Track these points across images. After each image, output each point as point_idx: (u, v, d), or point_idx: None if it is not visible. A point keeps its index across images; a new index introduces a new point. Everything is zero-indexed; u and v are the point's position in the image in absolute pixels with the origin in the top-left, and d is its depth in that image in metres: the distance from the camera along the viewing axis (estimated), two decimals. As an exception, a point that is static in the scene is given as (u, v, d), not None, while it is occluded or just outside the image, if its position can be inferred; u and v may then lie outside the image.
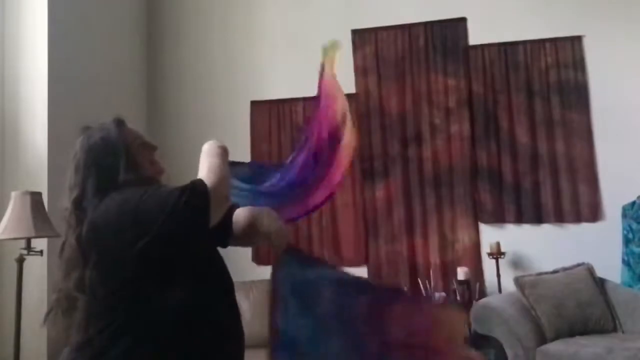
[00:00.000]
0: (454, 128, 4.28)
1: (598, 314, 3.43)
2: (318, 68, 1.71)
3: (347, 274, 1.48)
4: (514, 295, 3.56)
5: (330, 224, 4.32)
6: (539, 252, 4.04)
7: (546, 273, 3.65)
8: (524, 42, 4.26)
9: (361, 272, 4.22)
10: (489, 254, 3.99)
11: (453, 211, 4.22)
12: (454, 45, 4.37)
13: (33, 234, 2.83)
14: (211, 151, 1.36)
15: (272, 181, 1.62)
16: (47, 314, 1.32)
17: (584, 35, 4.21)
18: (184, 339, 1.26)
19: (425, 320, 1.38)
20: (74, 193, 1.33)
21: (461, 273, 3.92)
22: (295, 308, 1.34)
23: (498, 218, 4.17)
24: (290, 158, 1.66)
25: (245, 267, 3.93)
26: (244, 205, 1.51)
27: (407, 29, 4.44)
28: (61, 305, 1.29)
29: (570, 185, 4.08)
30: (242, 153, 4.15)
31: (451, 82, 4.32)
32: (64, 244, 1.32)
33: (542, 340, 3.30)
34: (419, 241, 4.24)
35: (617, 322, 3.46)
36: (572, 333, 3.33)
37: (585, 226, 4.05)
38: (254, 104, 4.57)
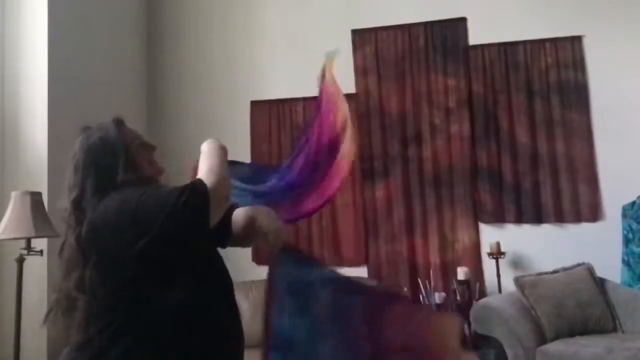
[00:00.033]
0: (454, 128, 4.28)
1: (598, 314, 3.43)
2: (318, 73, 1.69)
3: (342, 276, 1.48)
4: (514, 295, 3.56)
5: (330, 224, 4.32)
6: (539, 252, 4.04)
7: (546, 273, 3.65)
8: (524, 42, 4.26)
9: (361, 272, 4.23)
10: (489, 254, 3.99)
11: (453, 211, 4.22)
12: (454, 45, 4.37)
13: (33, 234, 2.83)
14: (211, 151, 1.36)
15: (271, 181, 1.62)
16: (47, 314, 1.32)
17: (584, 35, 4.20)
18: (184, 339, 1.26)
19: (420, 324, 1.38)
20: (73, 193, 1.33)
21: (461, 273, 3.92)
22: (290, 308, 1.34)
23: (498, 218, 4.17)
24: (289, 160, 1.65)
25: (245, 267, 3.92)
26: (243, 205, 1.51)
27: (407, 29, 4.44)
28: (61, 305, 1.29)
29: (570, 185, 4.08)
30: (242, 153, 4.15)
31: (451, 82, 4.32)
32: (63, 244, 1.32)
33: (542, 340, 3.30)
34: (419, 241, 4.24)
35: (617, 322, 3.46)
36: (572, 333, 3.33)
37: (585, 226, 4.05)
38: (254, 104, 4.57)
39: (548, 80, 4.21)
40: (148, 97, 4.73)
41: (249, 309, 3.45)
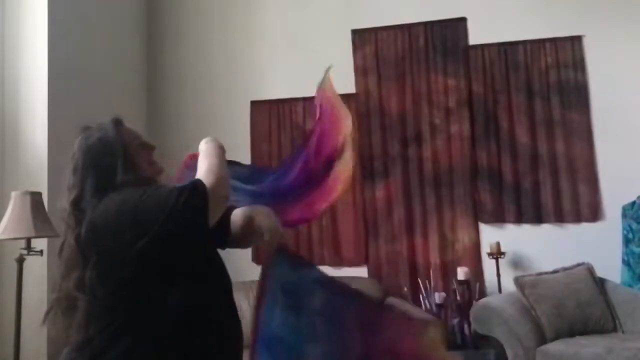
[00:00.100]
0: (454, 128, 4.28)
1: (598, 314, 3.43)
2: (318, 84, 1.63)
3: (335, 279, 1.47)
4: (514, 295, 3.56)
5: (330, 224, 4.31)
6: (539, 252, 4.04)
7: (546, 273, 3.65)
8: (524, 42, 4.26)
9: (361, 272, 4.23)
10: (489, 254, 3.99)
11: (453, 211, 4.22)
12: (454, 45, 4.36)
13: (33, 234, 2.83)
14: (210, 150, 1.36)
15: (269, 182, 1.61)
16: (47, 313, 1.32)
17: (584, 35, 4.20)
18: (184, 339, 1.26)
19: (406, 334, 1.38)
20: (72, 194, 1.33)
21: (461, 273, 3.92)
22: (281, 308, 1.34)
23: (498, 218, 4.17)
24: (286, 163, 1.63)
25: (245, 267, 3.91)
26: (242, 205, 1.51)
27: (407, 29, 4.44)
28: (61, 305, 1.29)
29: (570, 185, 4.08)
30: (242, 153, 4.16)
31: (451, 82, 4.32)
32: (62, 244, 1.32)
33: (542, 340, 3.30)
34: (419, 241, 4.24)
35: (617, 322, 3.46)
36: (572, 333, 3.33)
37: (585, 226, 4.05)
38: (254, 104, 4.57)
39: (548, 80, 4.21)
40: (148, 97, 4.73)
41: (249, 309, 3.45)
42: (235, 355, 1.36)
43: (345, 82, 4.29)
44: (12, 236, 2.84)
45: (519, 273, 3.83)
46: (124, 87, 4.39)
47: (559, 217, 4.08)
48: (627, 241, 3.79)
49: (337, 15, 4.55)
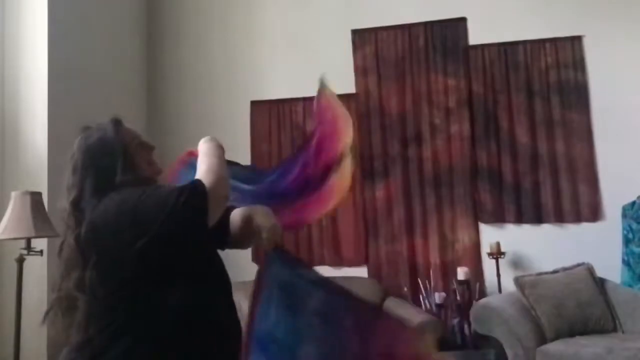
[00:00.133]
0: (454, 128, 4.28)
1: (598, 314, 3.43)
2: (317, 92, 1.60)
3: (330, 280, 1.47)
4: (514, 295, 3.56)
5: (330, 224, 4.31)
6: (539, 252, 4.04)
7: (546, 273, 3.65)
8: (524, 42, 4.26)
9: (361, 272, 4.23)
10: (489, 254, 3.99)
11: (453, 211, 4.22)
12: (454, 45, 4.37)
13: (33, 234, 2.84)
14: (209, 151, 1.36)
15: (267, 182, 1.61)
16: (47, 313, 1.32)
17: (584, 35, 4.20)
18: (184, 339, 1.26)
19: (401, 341, 1.38)
20: (72, 194, 1.32)
21: (461, 273, 3.92)
22: (277, 308, 1.34)
23: (498, 218, 4.17)
24: (286, 163, 1.63)
25: (245, 267, 3.90)
26: (241, 205, 1.50)
27: (407, 29, 4.44)
28: (61, 305, 1.29)
29: (570, 185, 4.08)
30: (242, 153, 4.16)
31: (451, 82, 4.32)
32: (62, 244, 1.31)
33: (542, 340, 3.30)
34: (419, 241, 4.24)
35: (617, 322, 3.46)
36: (572, 333, 3.33)
37: (585, 226, 4.05)
38: (254, 104, 4.57)
39: (548, 80, 4.21)
40: (148, 97, 4.73)
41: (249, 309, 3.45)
42: (235, 355, 1.36)
43: (345, 82, 4.29)
44: (12, 236, 2.84)
45: (519, 273, 3.83)
46: (124, 87, 4.39)
47: (559, 217, 4.08)
48: (627, 241, 3.79)
49: (337, 15, 4.55)
